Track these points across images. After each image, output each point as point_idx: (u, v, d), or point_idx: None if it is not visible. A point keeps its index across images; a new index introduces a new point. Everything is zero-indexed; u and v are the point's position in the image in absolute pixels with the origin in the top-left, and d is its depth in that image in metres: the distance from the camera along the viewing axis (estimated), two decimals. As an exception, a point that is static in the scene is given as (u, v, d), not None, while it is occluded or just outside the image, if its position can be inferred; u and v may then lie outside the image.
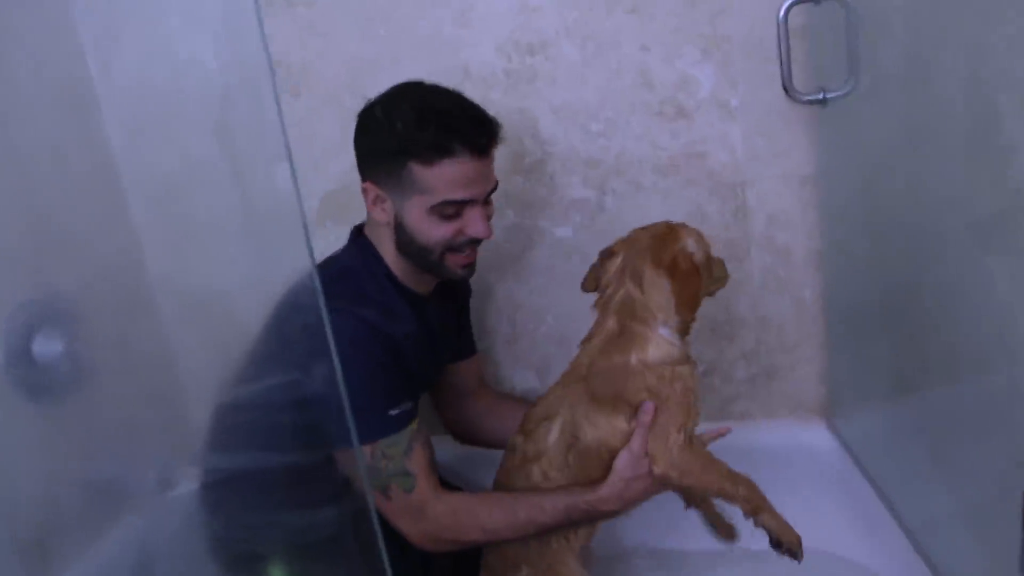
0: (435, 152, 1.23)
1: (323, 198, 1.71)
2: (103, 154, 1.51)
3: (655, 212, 1.61)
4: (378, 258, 1.33)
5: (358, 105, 1.66)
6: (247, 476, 1.29)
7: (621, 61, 1.58)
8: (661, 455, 1.17)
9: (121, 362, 1.49)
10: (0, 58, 1.33)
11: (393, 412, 1.22)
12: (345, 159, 1.68)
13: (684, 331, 1.24)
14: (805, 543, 1.19)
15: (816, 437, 1.69)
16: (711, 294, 1.31)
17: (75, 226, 1.47)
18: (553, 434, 1.24)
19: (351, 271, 1.33)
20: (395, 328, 1.27)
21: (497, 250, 1.69)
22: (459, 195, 1.25)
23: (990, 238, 1.06)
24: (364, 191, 1.31)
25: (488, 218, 1.31)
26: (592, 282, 1.30)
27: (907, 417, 1.42)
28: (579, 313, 1.71)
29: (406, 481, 1.22)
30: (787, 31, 1.36)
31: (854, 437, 1.63)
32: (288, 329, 1.23)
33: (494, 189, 1.33)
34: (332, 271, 1.32)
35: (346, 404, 0.93)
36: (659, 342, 1.20)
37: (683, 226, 1.28)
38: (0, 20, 1.35)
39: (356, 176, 1.69)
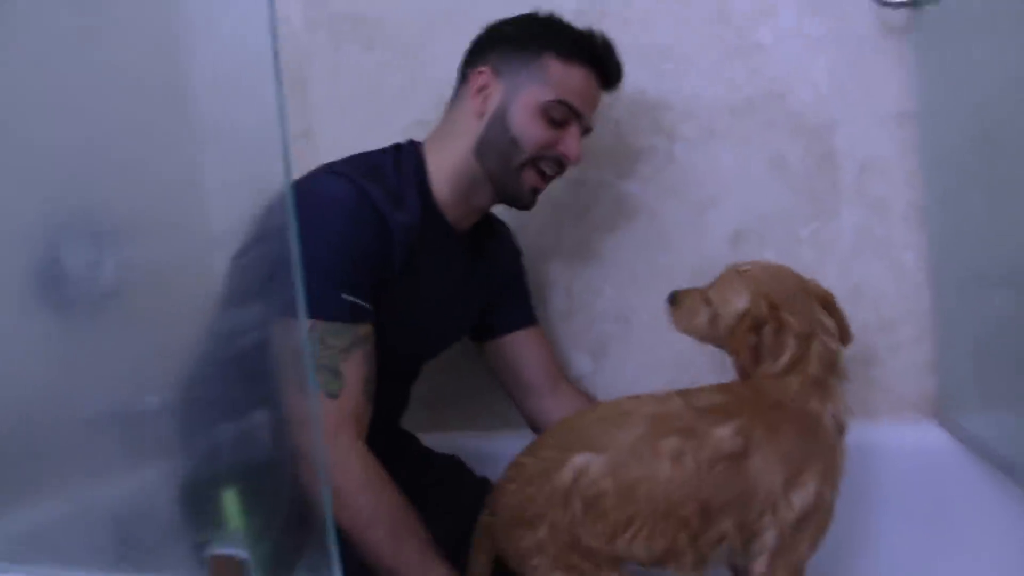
0: (576, 54, 1.25)
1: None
2: (184, 102, 1.54)
3: (729, 160, 1.47)
4: (420, 166, 1.25)
5: (430, 60, 1.66)
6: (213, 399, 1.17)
7: (695, -7, 1.47)
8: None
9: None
10: None
11: (347, 297, 1.09)
12: (409, 112, 1.67)
13: (847, 377, 1.12)
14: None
15: (929, 439, 1.38)
16: None
17: (143, 157, 1.49)
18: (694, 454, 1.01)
19: (371, 158, 1.25)
20: (396, 215, 1.16)
21: (554, 207, 1.55)
22: (577, 102, 1.25)
23: None
24: (476, 75, 1.26)
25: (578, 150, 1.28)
26: (755, 362, 1.08)
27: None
28: (641, 285, 1.57)
29: (332, 382, 1.08)
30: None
31: (981, 437, 1.32)
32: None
33: (588, 132, 1.32)
34: (348, 157, 1.25)
35: (297, 269, 0.79)
36: (843, 402, 1.07)
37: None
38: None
39: (419, 132, 1.67)
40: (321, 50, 1.71)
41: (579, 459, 1.00)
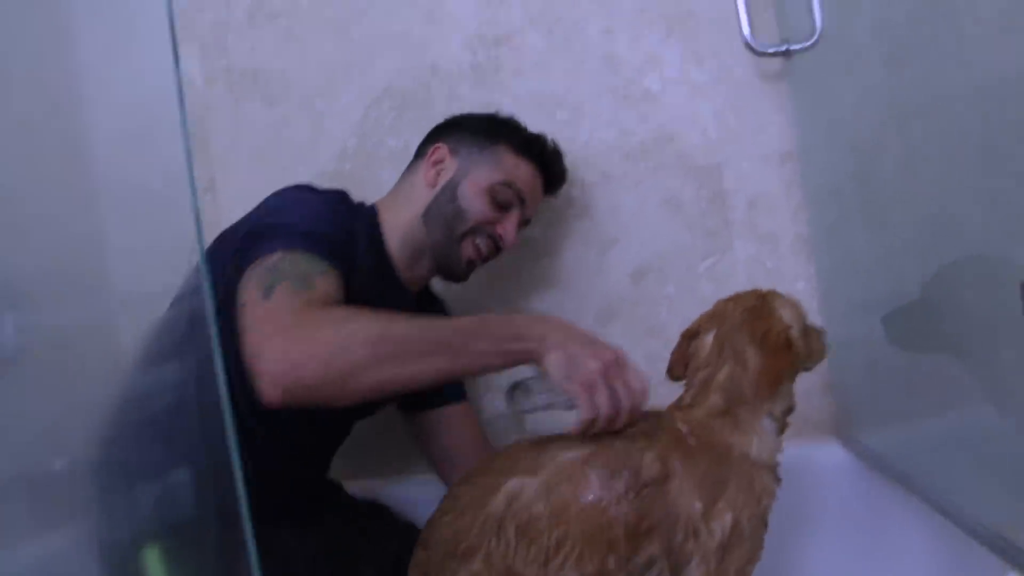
0: (528, 151, 1.35)
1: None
2: (81, 154, 1.51)
3: (626, 201, 1.53)
4: (375, 223, 1.29)
5: (329, 108, 1.68)
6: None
7: (586, 46, 1.54)
8: None
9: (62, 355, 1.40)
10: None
11: (325, 247, 1.07)
12: (312, 165, 1.69)
13: (782, 427, 1.11)
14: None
15: (830, 457, 1.45)
16: (808, 369, 1.17)
17: (42, 216, 1.45)
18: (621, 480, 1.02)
19: (331, 194, 1.26)
20: (350, 247, 1.16)
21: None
22: (522, 188, 1.33)
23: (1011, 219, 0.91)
24: (434, 150, 1.34)
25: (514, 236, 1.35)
26: (681, 367, 1.14)
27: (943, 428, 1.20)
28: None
29: (301, 284, 1.01)
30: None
31: (877, 452, 1.39)
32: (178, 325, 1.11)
33: (526, 223, 1.39)
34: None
35: (213, 327, 0.76)
36: (763, 437, 1.06)
37: (775, 296, 1.15)
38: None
39: (323, 184, 1.67)
40: (221, 105, 1.71)
41: (512, 483, 1.00)
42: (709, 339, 1.11)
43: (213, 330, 0.79)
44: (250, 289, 1.01)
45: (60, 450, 1.29)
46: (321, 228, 1.11)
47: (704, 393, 1.08)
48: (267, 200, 1.19)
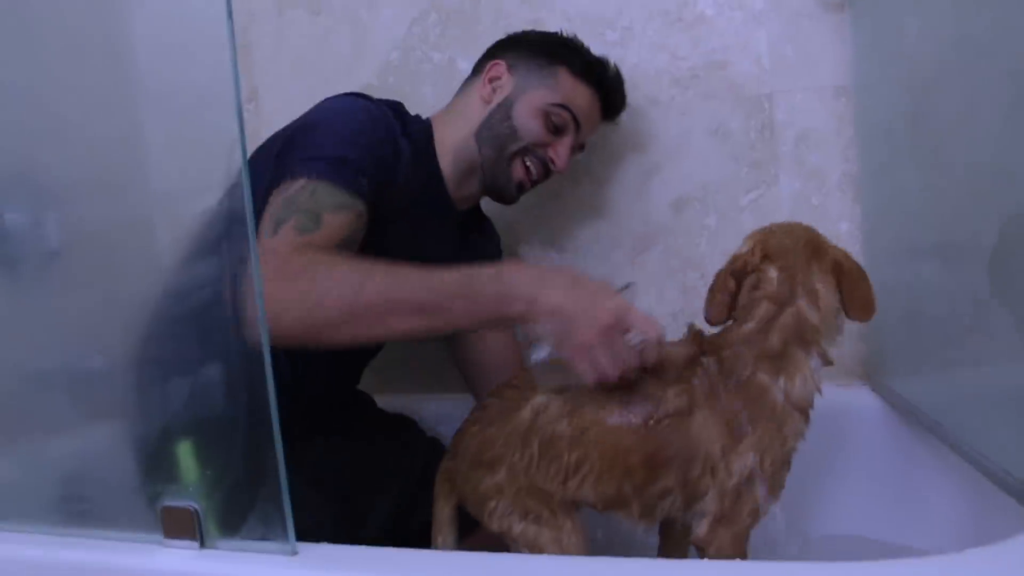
0: (588, 75, 1.32)
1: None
2: (125, 59, 1.50)
3: (672, 128, 1.50)
4: (428, 138, 1.28)
5: (374, 20, 1.65)
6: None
7: (639, -35, 1.49)
8: (717, 541, 0.99)
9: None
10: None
11: (351, 174, 1.06)
12: (354, 77, 1.67)
13: (828, 360, 1.05)
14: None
15: (858, 400, 1.43)
16: None
17: (81, 117, 1.45)
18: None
19: (383, 104, 1.24)
20: (402, 139, 1.17)
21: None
22: (577, 112, 1.31)
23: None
24: (491, 66, 1.33)
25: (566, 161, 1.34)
26: (726, 311, 1.07)
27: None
28: (585, 250, 1.60)
29: (308, 224, 1.01)
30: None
31: (907, 399, 1.37)
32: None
33: (580, 149, 1.39)
34: None
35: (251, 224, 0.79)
36: (807, 378, 1.01)
37: (814, 229, 1.10)
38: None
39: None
40: (265, 14, 1.69)
41: (540, 399, 1.01)
42: (772, 274, 1.04)
43: (251, 234, 0.80)
44: (266, 219, 1.02)
45: (99, 344, 1.32)
46: (354, 152, 1.09)
47: (763, 335, 1.02)
48: (315, 108, 1.18)
